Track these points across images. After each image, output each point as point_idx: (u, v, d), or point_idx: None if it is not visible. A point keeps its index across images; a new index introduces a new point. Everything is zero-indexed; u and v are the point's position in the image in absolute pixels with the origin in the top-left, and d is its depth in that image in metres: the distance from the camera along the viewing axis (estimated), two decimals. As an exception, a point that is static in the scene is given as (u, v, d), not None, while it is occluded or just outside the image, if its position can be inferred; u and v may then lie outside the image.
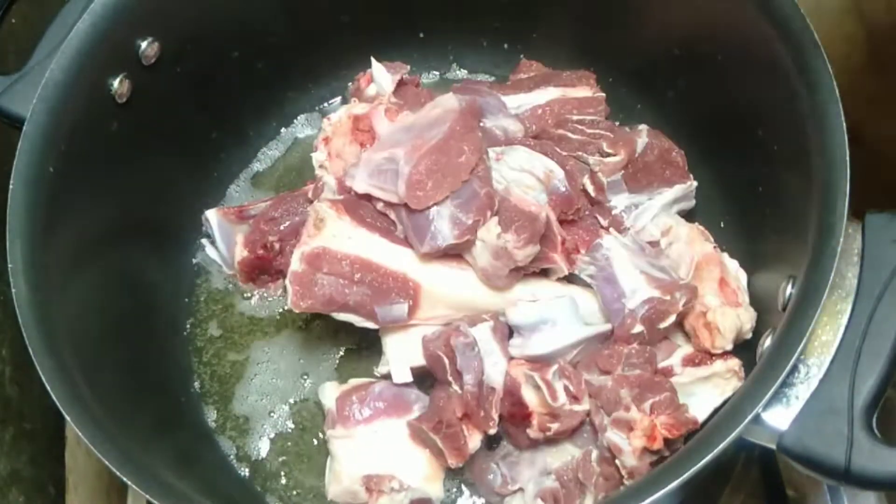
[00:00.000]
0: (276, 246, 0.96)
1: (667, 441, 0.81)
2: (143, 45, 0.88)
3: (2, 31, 0.89)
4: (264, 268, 0.98)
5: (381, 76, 0.97)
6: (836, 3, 1.11)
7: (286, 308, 0.97)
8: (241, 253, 0.97)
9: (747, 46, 0.83)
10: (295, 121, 1.10)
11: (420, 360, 0.88)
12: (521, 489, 0.87)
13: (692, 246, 0.91)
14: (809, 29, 0.77)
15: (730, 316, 0.85)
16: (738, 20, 0.83)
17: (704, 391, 0.85)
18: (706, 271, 0.88)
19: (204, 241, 1.02)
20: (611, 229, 0.92)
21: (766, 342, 0.79)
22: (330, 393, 0.90)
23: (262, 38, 1.00)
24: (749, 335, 0.86)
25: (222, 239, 0.99)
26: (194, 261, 1.03)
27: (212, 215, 0.99)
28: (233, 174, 1.07)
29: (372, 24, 1.01)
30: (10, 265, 0.77)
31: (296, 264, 0.87)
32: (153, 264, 0.95)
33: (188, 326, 1.01)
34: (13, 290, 0.76)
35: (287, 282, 0.87)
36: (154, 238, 0.98)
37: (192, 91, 0.96)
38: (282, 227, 0.95)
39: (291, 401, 0.96)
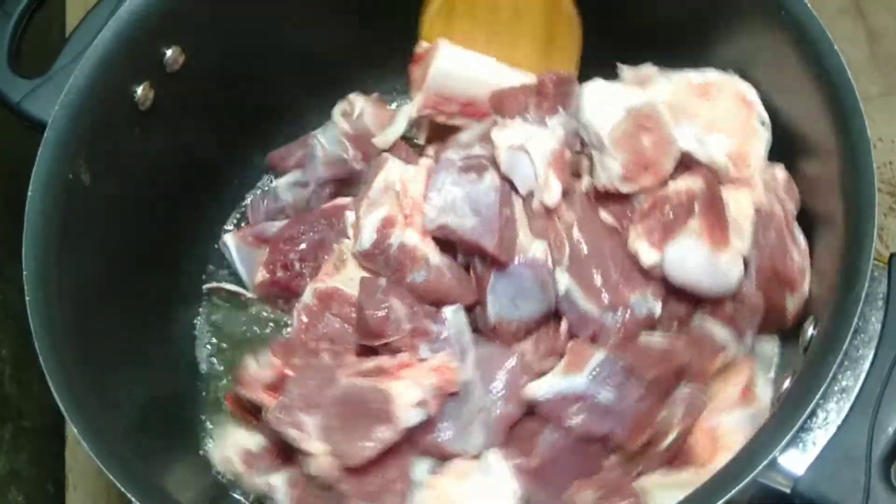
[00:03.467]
0: (297, 265, 0.95)
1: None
2: (168, 52, 0.87)
3: (26, 34, 0.89)
4: (284, 289, 0.97)
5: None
6: (836, 3, 1.15)
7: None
8: (261, 275, 0.96)
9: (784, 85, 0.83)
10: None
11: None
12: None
13: None
14: (848, 78, 0.75)
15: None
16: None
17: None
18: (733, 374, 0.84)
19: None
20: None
21: (786, 384, 0.78)
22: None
23: (291, 47, 0.99)
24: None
25: (242, 263, 0.98)
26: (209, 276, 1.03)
27: (230, 239, 0.98)
28: (253, 182, 1.07)
29: (397, 34, 1.00)
30: (24, 272, 0.76)
31: (308, 297, 0.87)
32: (170, 274, 0.94)
33: (200, 339, 1.00)
34: (27, 298, 0.75)
35: (295, 311, 0.87)
36: (173, 247, 0.97)
37: (216, 99, 0.96)
38: (300, 248, 0.95)
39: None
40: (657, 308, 0.80)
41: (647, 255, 0.78)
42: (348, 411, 0.78)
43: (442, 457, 0.81)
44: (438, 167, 0.82)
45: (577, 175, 0.84)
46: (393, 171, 0.87)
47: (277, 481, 0.83)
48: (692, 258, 0.78)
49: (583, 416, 0.77)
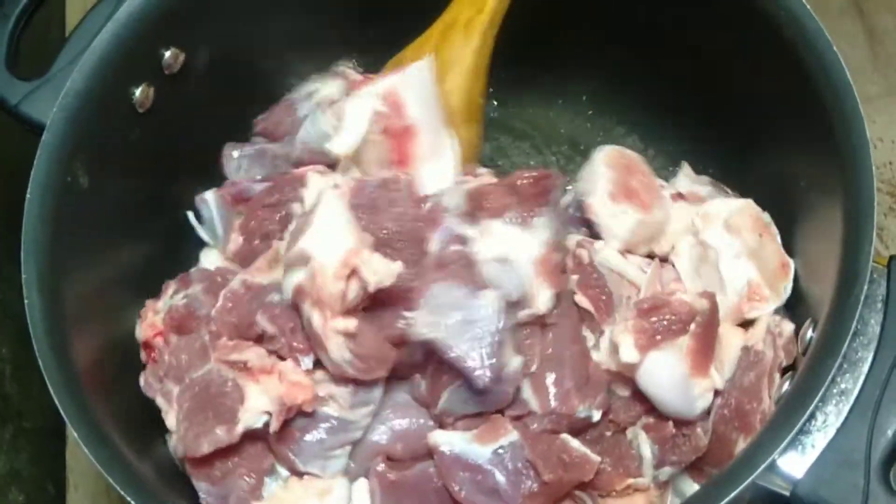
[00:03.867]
0: (277, 235, 0.88)
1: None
2: (167, 54, 0.87)
3: (24, 36, 0.89)
4: (256, 256, 0.90)
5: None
6: (836, 3, 1.15)
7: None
8: (235, 241, 0.90)
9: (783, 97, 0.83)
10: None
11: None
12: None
13: None
14: (849, 84, 0.76)
15: None
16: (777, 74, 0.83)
17: None
18: None
19: (193, 221, 0.95)
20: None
21: (785, 386, 0.78)
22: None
23: (291, 47, 0.98)
24: None
25: (220, 222, 0.92)
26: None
27: (210, 197, 0.92)
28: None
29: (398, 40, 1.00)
30: (24, 276, 0.76)
31: (236, 284, 0.83)
32: (170, 276, 0.93)
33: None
34: (26, 302, 0.75)
35: (222, 292, 0.83)
36: (173, 249, 0.95)
37: (216, 100, 0.95)
38: (279, 216, 0.88)
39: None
40: (596, 416, 0.78)
41: (628, 353, 0.76)
42: (205, 397, 0.78)
43: (291, 470, 0.79)
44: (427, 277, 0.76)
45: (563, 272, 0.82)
46: (312, 240, 0.76)
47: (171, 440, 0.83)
48: (668, 374, 0.77)
49: (470, 487, 0.76)
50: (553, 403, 0.77)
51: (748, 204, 0.86)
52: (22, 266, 0.77)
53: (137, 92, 0.86)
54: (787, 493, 0.70)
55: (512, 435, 0.76)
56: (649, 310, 0.77)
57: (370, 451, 0.80)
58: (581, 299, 0.81)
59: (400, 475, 0.78)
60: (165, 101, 0.88)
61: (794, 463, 0.70)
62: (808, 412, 0.68)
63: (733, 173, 0.94)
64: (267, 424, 0.77)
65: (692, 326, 0.77)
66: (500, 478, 0.76)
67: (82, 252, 0.82)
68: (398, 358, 0.77)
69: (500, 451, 0.76)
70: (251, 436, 0.78)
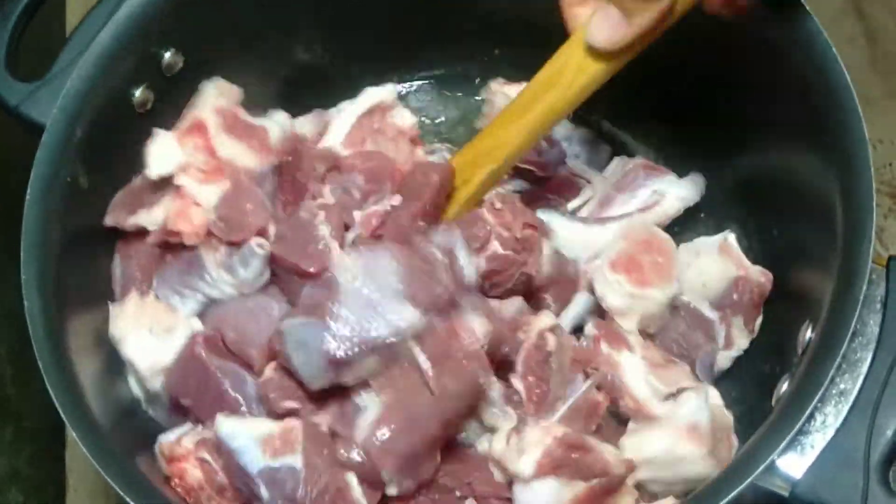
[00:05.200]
0: None
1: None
2: (167, 55, 0.87)
3: (24, 38, 0.89)
4: None
5: None
6: (836, 3, 1.16)
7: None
8: None
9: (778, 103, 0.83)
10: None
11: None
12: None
13: None
14: (849, 85, 0.76)
15: None
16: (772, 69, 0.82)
17: None
18: None
19: None
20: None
21: (784, 386, 0.78)
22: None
23: (289, 51, 0.99)
24: None
25: None
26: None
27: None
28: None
29: (402, 38, 1.00)
30: (23, 277, 0.76)
31: None
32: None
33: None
34: (26, 303, 0.75)
35: None
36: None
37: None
38: None
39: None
40: (391, 490, 0.74)
41: (525, 466, 0.74)
42: None
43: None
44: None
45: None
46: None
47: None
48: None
49: (238, 482, 0.74)
50: (364, 442, 0.73)
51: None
52: (21, 267, 0.77)
53: (137, 93, 0.86)
54: (786, 494, 0.70)
55: (297, 458, 0.71)
56: (571, 446, 0.75)
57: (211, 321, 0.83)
58: (516, 382, 0.80)
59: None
60: (166, 103, 0.88)
61: (794, 463, 0.70)
62: (807, 413, 0.68)
63: (732, 173, 0.94)
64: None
65: (596, 480, 0.76)
66: (265, 493, 0.71)
67: (82, 252, 0.82)
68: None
69: (276, 468, 0.71)
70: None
